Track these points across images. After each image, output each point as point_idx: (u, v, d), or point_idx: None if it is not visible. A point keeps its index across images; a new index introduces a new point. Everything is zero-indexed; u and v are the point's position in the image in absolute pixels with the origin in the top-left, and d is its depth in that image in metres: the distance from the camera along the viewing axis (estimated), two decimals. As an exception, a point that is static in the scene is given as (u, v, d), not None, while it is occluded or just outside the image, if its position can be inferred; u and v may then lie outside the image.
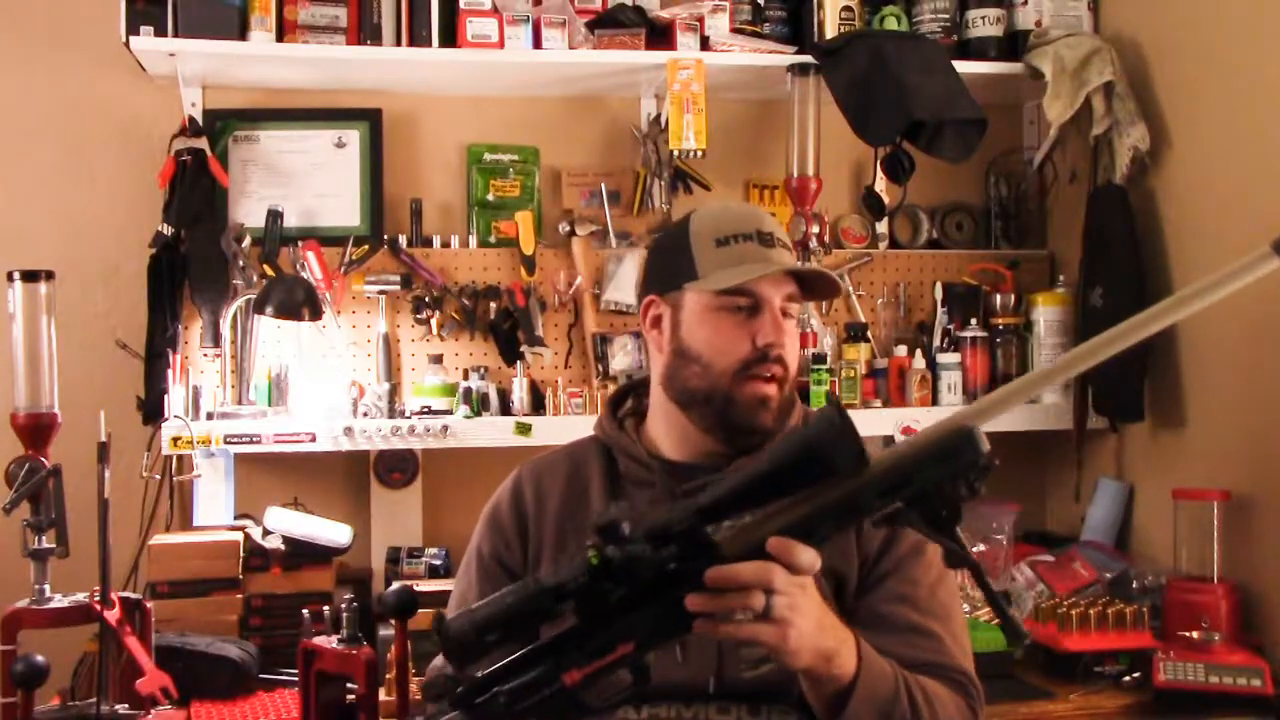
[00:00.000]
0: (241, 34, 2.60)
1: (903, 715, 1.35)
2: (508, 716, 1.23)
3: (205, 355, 2.66)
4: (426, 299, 2.77)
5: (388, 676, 2.07)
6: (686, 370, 1.56)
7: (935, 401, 2.83)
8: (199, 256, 2.65)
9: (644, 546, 1.20)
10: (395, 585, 1.83)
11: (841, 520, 1.22)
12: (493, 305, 2.79)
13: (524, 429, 2.61)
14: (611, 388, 2.69)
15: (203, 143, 2.65)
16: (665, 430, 1.62)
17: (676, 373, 1.57)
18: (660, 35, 2.75)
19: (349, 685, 1.86)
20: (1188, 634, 2.30)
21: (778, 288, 1.55)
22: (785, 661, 1.25)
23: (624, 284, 2.82)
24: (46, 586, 1.96)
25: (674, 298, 1.58)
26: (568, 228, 2.85)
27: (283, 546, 2.48)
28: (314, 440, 2.53)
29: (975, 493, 1.19)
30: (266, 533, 2.50)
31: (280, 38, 2.63)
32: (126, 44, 2.52)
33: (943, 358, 2.86)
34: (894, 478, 1.19)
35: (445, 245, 2.82)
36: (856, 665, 1.32)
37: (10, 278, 2.06)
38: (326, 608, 2.15)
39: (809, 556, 1.20)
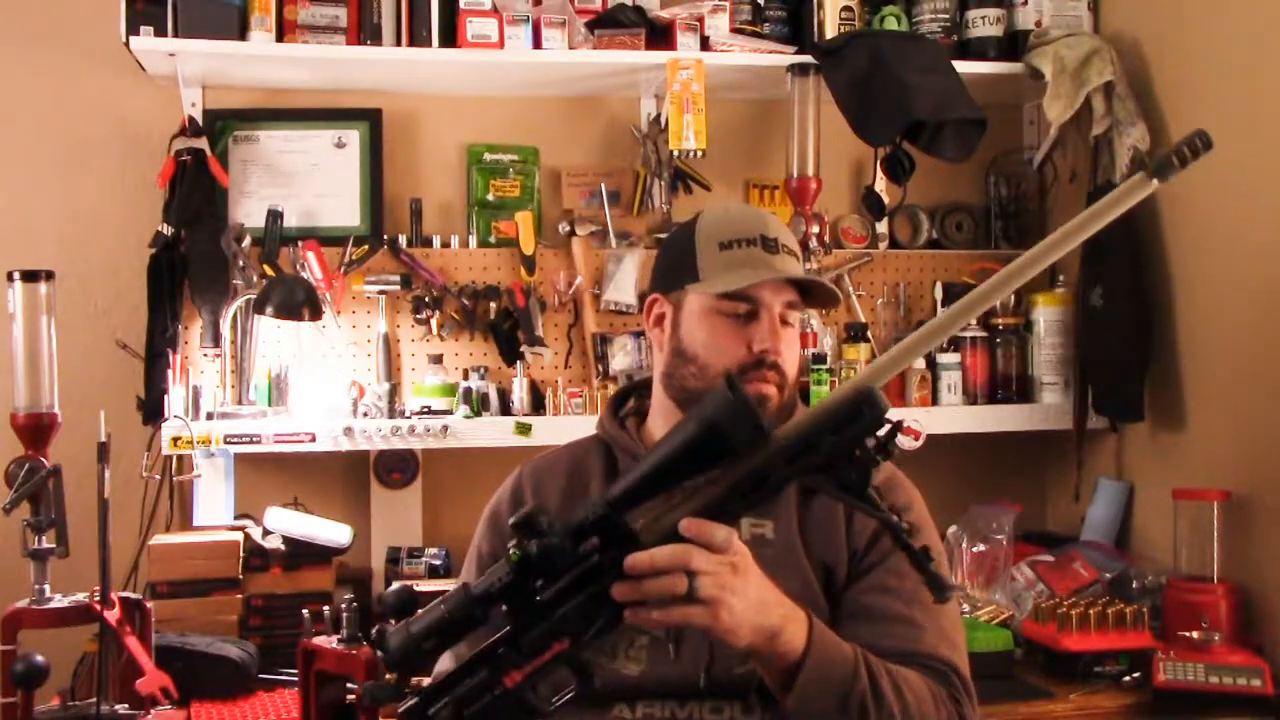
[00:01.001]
0: (241, 34, 2.60)
1: (861, 695, 1.34)
2: None
3: (205, 355, 2.66)
4: (426, 299, 2.77)
5: (387, 676, 2.07)
6: (684, 370, 1.57)
7: (935, 401, 2.83)
8: (199, 256, 2.65)
9: (563, 539, 1.20)
10: (395, 585, 1.83)
11: (753, 494, 1.23)
12: (493, 305, 2.79)
13: (524, 429, 2.60)
14: (611, 388, 2.70)
15: (203, 143, 2.65)
16: (665, 429, 1.61)
17: (675, 372, 1.59)
18: (660, 35, 2.75)
19: (349, 685, 1.86)
20: (1188, 634, 2.30)
21: (777, 294, 1.56)
22: (725, 641, 1.26)
23: (624, 284, 2.82)
24: (46, 586, 1.96)
25: (676, 297, 1.60)
26: (568, 228, 2.85)
27: (283, 546, 2.48)
28: (314, 440, 2.53)
29: (889, 453, 1.20)
30: (266, 533, 2.50)
31: (280, 38, 2.62)
32: (126, 44, 2.52)
33: (943, 358, 2.86)
34: (798, 446, 1.20)
35: (445, 245, 2.82)
36: (806, 642, 1.31)
37: (10, 278, 2.06)
38: (326, 608, 2.15)
39: (723, 534, 1.21)
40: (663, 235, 2.84)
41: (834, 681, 1.33)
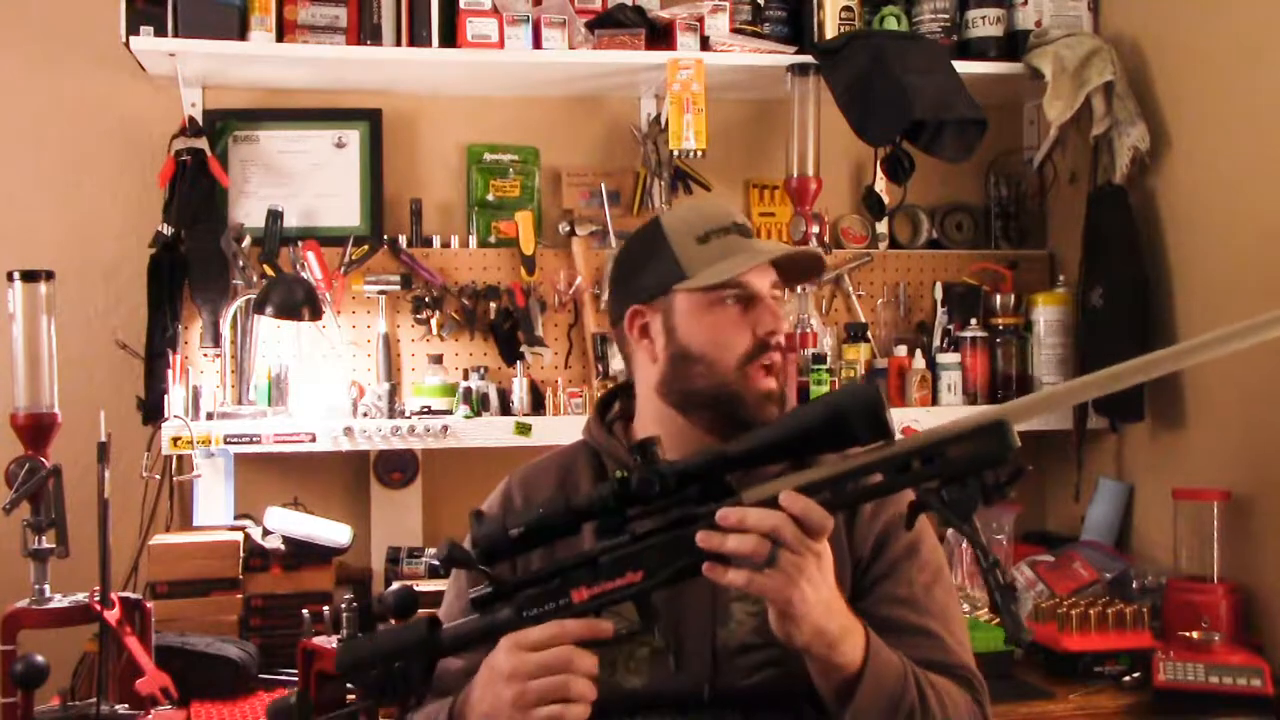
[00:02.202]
0: (241, 34, 2.60)
1: (911, 705, 1.35)
2: (516, 622, 1.27)
3: (205, 355, 2.66)
4: (426, 299, 2.77)
5: (388, 676, 2.06)
6: (690, 372, 1.53)
7: (935, 401, 2.83)
8: (199, 256, 2.65)
9: (668, 475, 1.24)
10: (395, 585, 1.84)
11: (857, 491, 1.24)
12: (493, 305, 2.79)
13: (524, 429, 2.60)
14: (612, 387, 2.69)
15: (203, 143, 2.65)
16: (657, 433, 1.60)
17: (677, 375, 1.54)
18: (660, 35, 2.75)
19: (349, 685, 1.86)
20: (1188, 634, 2.30)
21: (764, 276, 1.54)
22: (786, 630, 1.26)
23: (624, 284, 2.81)
24: (46, 586, 1.96)
25: (662, 303, 1.55)
26: (568, 228, 2.85)
27: (283, 546, 2.48)
28: (314, 440, 2.53)
29: (1003, 494, 1.19)
30: (266, 533, 2.50)
31: (280, 38, 2.62)
32: (126, 44, 2.52)
33: (943, 358, 2.86)
34: (915, 455, 1.20)
35: (445, 245, 2.82)
36: (864, 655, 1.32)
37: (10, 278, 2.06)
38: (326, 608, 2.15)
39: (819, 514, 1.22)
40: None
41: (888, 694, 1.34)
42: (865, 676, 1.32)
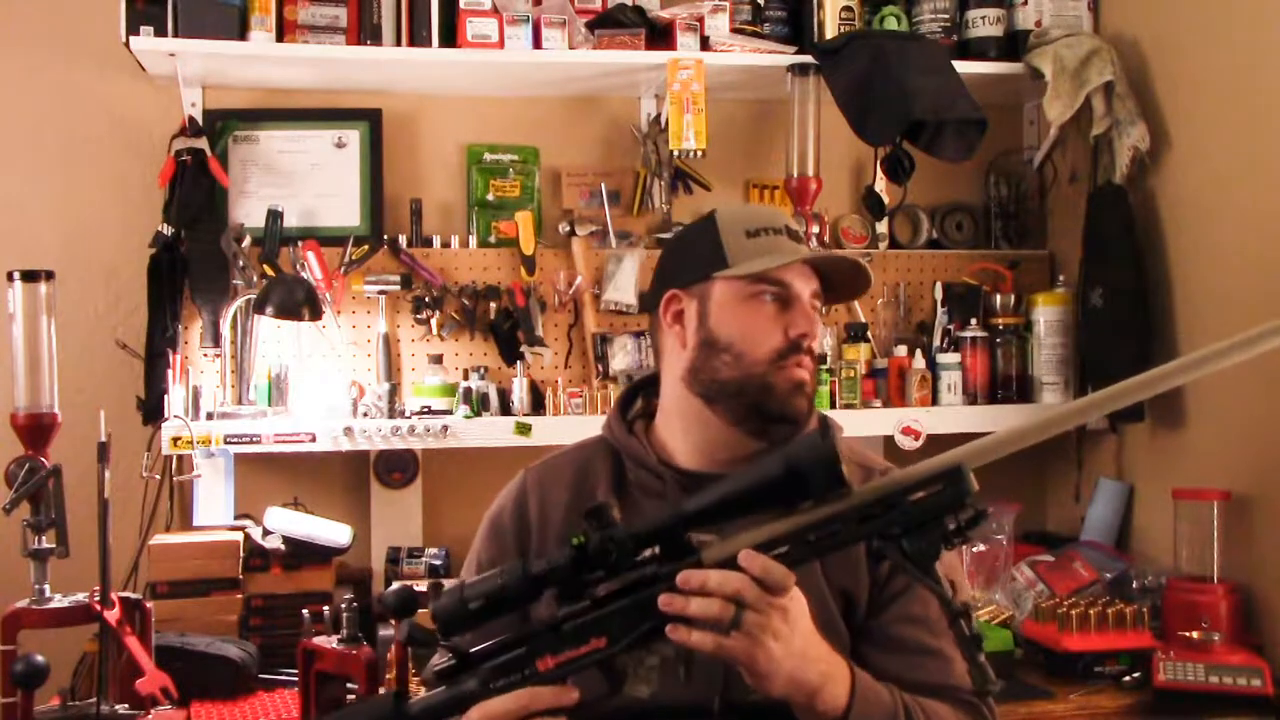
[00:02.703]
0: (241, 34, 2.60)
1: None
2: (483, 694, 1.25)
3: (205, 355, 2.66)
4: (426, 299, 2.77)
5: (388, 676, 2.07)
6: (716, 361, 1.52)
7: (935, 401, 2.83)
8: (199, 256, 2.65)
9: (626, 539, 1.22)
10: (395, 585, 1.84)
11: (818, 544, 1.22)
12: (493, 305, 2.79)
13: (524, 429, 2.60)
14: (611, 388, 2.69)
15: (203, 143, 2.65)
16: (682, 432, 1.57)
17: (705, 364, 1.53)
18: (660, 35, 2.75)
19: (349, 685, 1.86)
20: (1188, 634, 2.30)
21: (807, 282, 1.53)
22: (757, 685, 1.25)
23: (624, 284, 2.82)
24: (46, 586, 1.96)
25: (700, 289, 1.55)
26: (568, 228, 2.85)
27: (283, 546, 2.48)
28: (314, 440, 2.53)
29: (965, 538, 1.19)
30: (266, 533, 2.50)
31: (280, 38, 2.62)
32: (126, 44, 2.53)
33: (943, 358, 2.86)
34: (874, 506, 1.20)
35: (445, 245, 2.82)
36: (848, 701, 1.30)
37: (10, 278, 2.06)
38: (326, 608, 2.15)
39: (779, 572, 1.20)
40: (663, 235, 2.84)
41: None
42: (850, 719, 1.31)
